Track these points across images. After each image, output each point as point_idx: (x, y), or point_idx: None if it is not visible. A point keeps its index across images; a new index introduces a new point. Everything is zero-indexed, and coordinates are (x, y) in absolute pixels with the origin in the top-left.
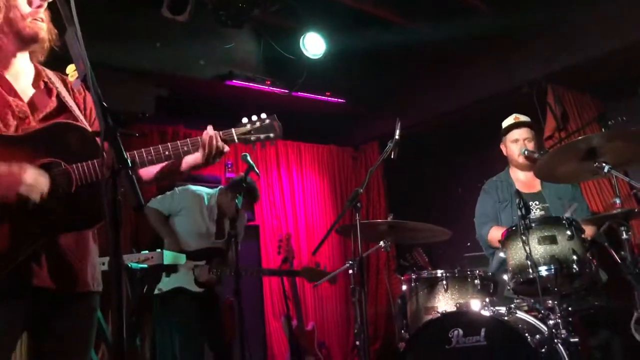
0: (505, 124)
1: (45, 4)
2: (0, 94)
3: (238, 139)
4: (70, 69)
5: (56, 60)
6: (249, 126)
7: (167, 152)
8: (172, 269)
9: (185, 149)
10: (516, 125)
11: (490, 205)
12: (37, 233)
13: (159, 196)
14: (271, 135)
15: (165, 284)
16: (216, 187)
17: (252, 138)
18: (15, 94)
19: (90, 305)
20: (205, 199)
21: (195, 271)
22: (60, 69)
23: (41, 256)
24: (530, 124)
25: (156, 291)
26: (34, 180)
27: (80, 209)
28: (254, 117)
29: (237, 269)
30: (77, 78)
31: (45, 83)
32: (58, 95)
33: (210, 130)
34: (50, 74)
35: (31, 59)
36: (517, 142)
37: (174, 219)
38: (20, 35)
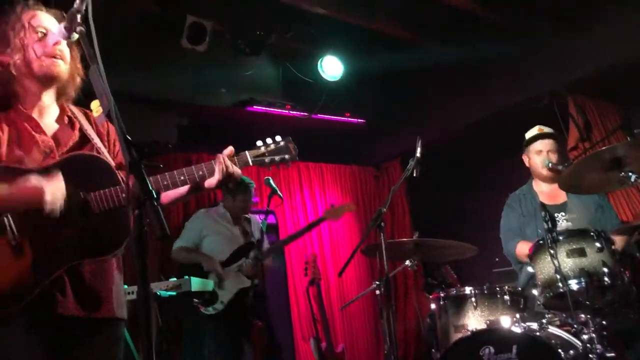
0: (529, 135)
1: (62, 42)
2: (28, 131)
3: (253, 161)
4: (95, 105)
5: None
6: (263, 149)
7: (182, 177)
8: (221, 281)
9: (200, 173)
10: (540, 136)
11: (515, 219)
12: (56, 262)
13: (179, 237)
14: (286, 157)
15: (225, 295)
16: None
17: (267, 160)
18: (41, 130)
19: (115, 333)
20: (214, 210)
21: (241, 270)
22: (85, 104)
23: (65, 285)
24: (554, 136)
25: (212, 310)
26: (52, 196)
27: (98, 236)
28: (269, 140)
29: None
30: (101, 113)
31: (69, 118)
32: (81, 129)
33: (226, 151)
34: (73, 109)
35: (58, 97)
36: (540, 154)
37: (202, 244)
38: (35, 75)
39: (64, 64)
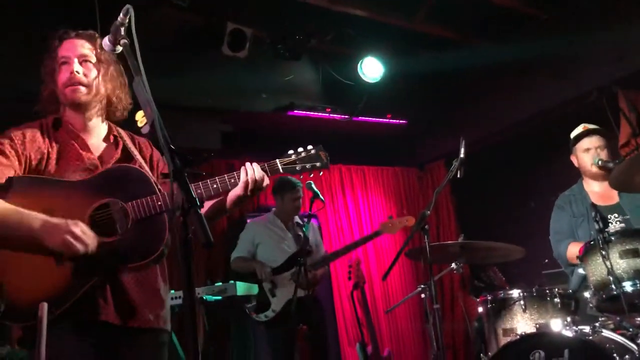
0: (574, 133)
1: (75, 65)
2: (75, 148)
3: (283, 168)
4: (139, 115)
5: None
6: (294, 157)
7: (215, 185)
8: (274, 289)
9: (232, 181)
10: (586, 133)
11: (566, 221)
12: (95, 269)
13: (235, 249)
14: (317, 164)
15: (276, 304)
16: None
17: (298, 168)
18: (88, 149)
19: (154, 343)
20: (265, 218)
21: (294, 278)
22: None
23: (106, 292)
24: (601, 132)
25: (263, 318)
26: (82, 232)
27: (135, 243)
28: (300, 148)
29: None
30: (146, 124)
31: (115, 137)
32: (124, 148)
33: (251, 164)
34: (121, 130)
35: (105, 116)
36: (588, 151)
37: (256, 252)
38: (65, 103)
39: (86, 87)
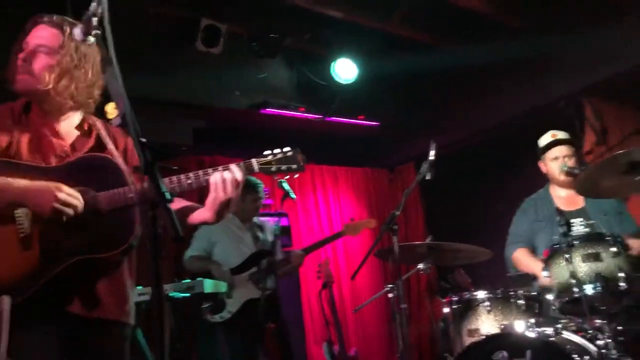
0: (543, 142)
1: (26, 56)
2: (46, 136)
3: (259, 168)
4: (110, 107)
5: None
6: (270, 157)
7: (189, 181)
8: (230, 290)
9: (206, 178)
10: (555, 143)
11: (526, 224)
12: (61, 257)
13: (190, 247)
14: (293, 166)
15: (232, 305)
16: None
17: (273, 169)
18: (59, 135)
19: (120, 334)
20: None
21: (251, 279)
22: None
23: (72, 283)
24: (569, 141)
25: (219, 318)
26: (69, 196)
27: (104, 234)
28: (277, 150)
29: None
30: (117, 116)
31: (89, 126)
32: (98, 137)
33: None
34: (94, 119)
35: (79, 106)
36: (557, 160)
37: (212, 251)
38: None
39: (32, 78)
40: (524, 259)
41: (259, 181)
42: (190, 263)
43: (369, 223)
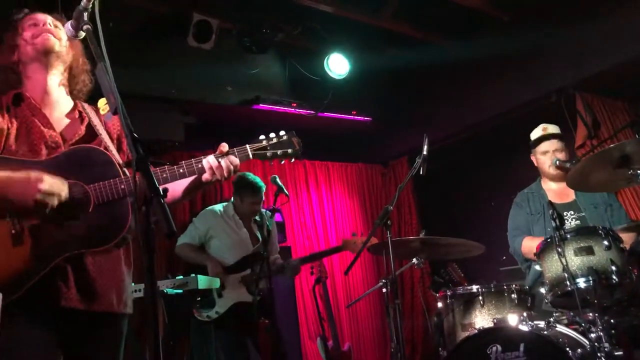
0: (534, 136)
1: (48, 21)
2: (36, 125)
3: (253, 154)
4: (102, 103)
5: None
6: (265, 142)
7: (181, 170)
8: (221, 289)
9: (200, 166)
10: (545, 137)
11: (523, 218)
12: (55, 252)
13: (184, 233)
14: (289, 150)
15: (221, 305)
16: None
17: (268, 154)
18: (50, 125)
19: (117, 328)
20: (223, 210)
21: (244, 281)
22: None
23: (68, 277)
24: (559, 135)
25: (206, 318)
26: (50, 186)
27: (96, 227)
28: (272, 134)
29: (271, 291)
30: (108, 111)
31: (80, 113)
32: (89, 125)
33: (221, 148)
34: (86, 106)
35: (69, 91)
36: (547, 154)
37: (208, 244)
38: (31, 56)
39: (57, 39)
40: (533, 242)
41: (261, 185)
42: (182, 250)
43: (370, 242)
